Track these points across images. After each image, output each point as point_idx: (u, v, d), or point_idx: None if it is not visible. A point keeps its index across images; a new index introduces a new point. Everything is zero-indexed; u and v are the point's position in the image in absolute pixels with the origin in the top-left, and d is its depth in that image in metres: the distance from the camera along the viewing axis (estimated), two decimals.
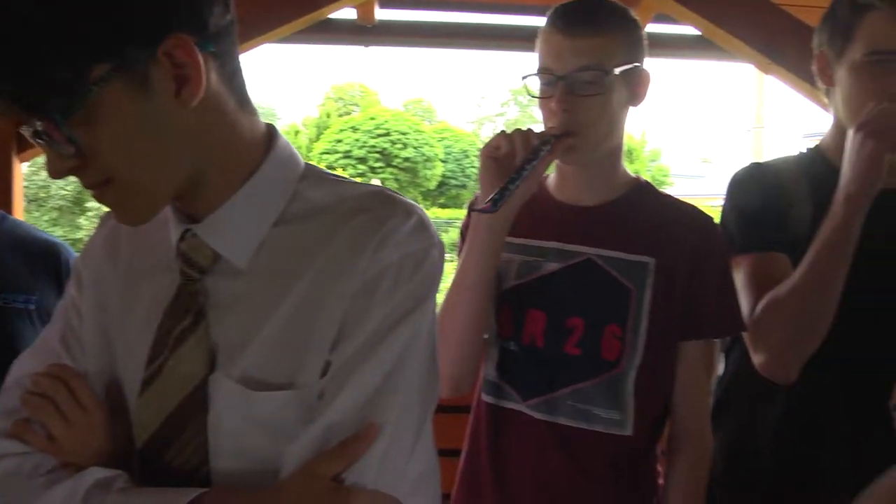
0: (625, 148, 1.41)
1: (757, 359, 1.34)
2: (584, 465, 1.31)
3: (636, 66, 1.32)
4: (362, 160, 22.06)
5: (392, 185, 20.13)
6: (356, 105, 27.37)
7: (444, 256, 0.89)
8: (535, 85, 1.34)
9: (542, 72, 1.30)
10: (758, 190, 1.44)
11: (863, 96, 1.32)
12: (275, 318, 0.82)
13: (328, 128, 24.12)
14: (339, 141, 22.70)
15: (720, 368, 1.54)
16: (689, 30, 3.25)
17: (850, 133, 1.28)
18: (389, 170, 22.01)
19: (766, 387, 1.36)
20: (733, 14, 2.79)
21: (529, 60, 1.37)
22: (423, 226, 0.86)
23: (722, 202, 1.50)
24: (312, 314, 0.82)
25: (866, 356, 1.39)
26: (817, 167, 1.43)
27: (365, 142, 22.29)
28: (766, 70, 2.85)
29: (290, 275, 0.83)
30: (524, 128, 1.29)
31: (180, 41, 0.76)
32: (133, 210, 0.83)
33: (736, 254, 1.41)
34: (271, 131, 0.90)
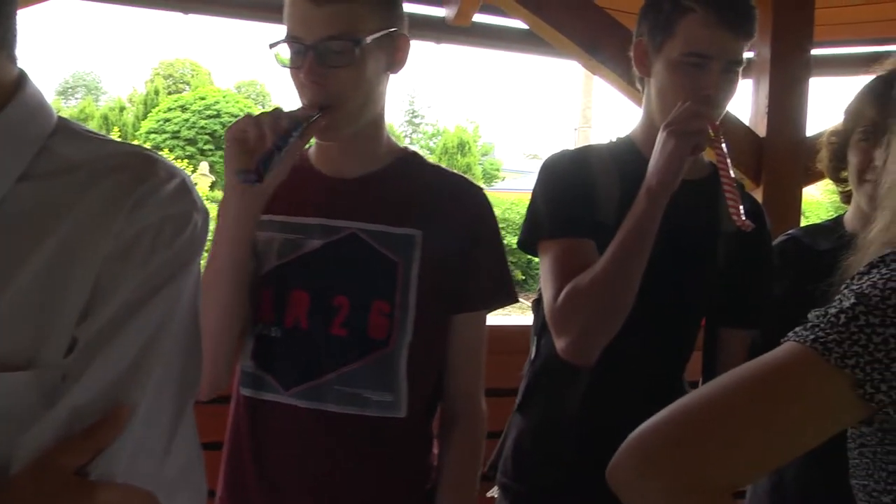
0: (385, 117, 1.35)
1: (559, 343, 1.37)
2: (355, 452, 1.27)
3: (392, 32, 1.26)
4: (191, 142, 21.13)
5: (223, 169, 19.43)
6: (187, 84, 26.23)
7: (208, 225, 0.81)
8: (286, 54, 1.26)
9: (291, 40, 1.22)
10: (567, 176, 1.46)
11: (675, 93, 1.38)
12: (12, 285, 0.70)
13: (156, 105, 22.98)
14: (168, 120, 21.64)
15: (532, 353, 1.58)
16: (518, 23, 3.34)
17: (661, 129, 1.34)
18: (220, 153, 21.26)
19: (573, 367, 1.40)
20: (557, 10, 2.85)
21: None
22: (186, 189, 0.78)
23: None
24: (58, 282, 0.71)
25: (664, 338, 1.49)
26: (627, 156, 1.48)
27: (195, 122, 21.36)
28: (590, 68, 2.96)
29: (34, 236, 0.72)
30: (274, 109, 1.21)
31: None
32: None
33: (544, 238, 1.44)
34: (21, 78, 0.77)
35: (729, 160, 1.33)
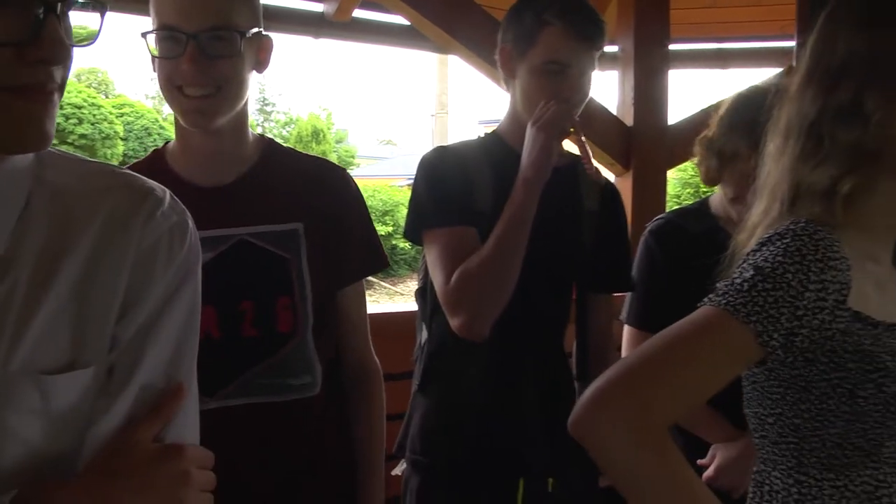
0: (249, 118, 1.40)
1: (454, 322, 1.52)
2: (288, 433, 1.35)
3: (260, 31, 1.31)
4: None
5: None
6: None
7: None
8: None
9: (168, 29, 1.22)
10: (446, 170, 1.61)
11: (538, 95, 1.56)
12: (50, 300, 0.79)
13: None
14: None
15: (423, 337, 1.72)
16: (398, 18, 3.41)
17: (529, 126, 1.53)
18: (64, 147, 19.91)
19: (469, 345, 1.56)
20: (439, 6, 2.97)
21: None
22: (174, 198, 0.88)
23: (409, 182, 1.68)
24: (89, 290, 0.80)
25: (545, 310, 1.67)
26: (497, 149, 1.65)
27: None
28: (476, 65, 3.07)
29: (58, 255, 0.80)
30: None
31: None
32: None
33: (430, 228, 1.58)
34: None
35: (588, 148, 1.57)
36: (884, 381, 0.95)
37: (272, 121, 32.74)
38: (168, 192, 0.88)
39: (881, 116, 0.95)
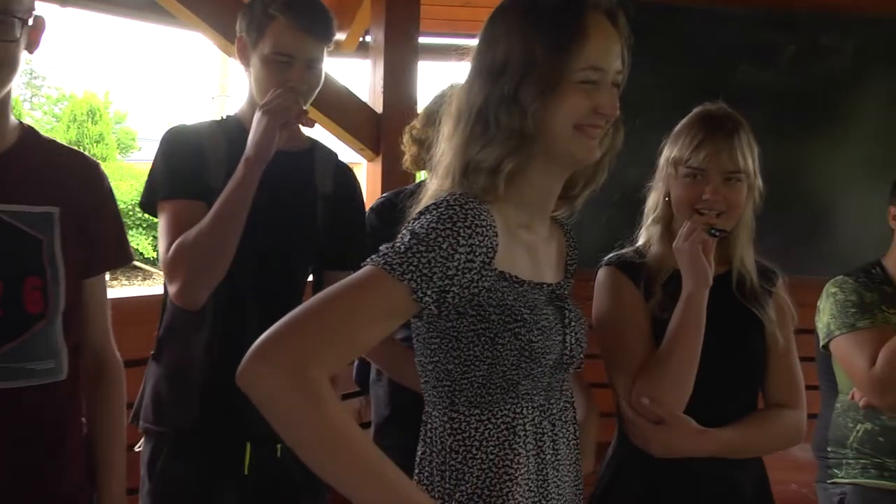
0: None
1: (171, 290, 1.61)
2: (24, 423, 1.34)
3: (35, 13, 1.34)
4: None
5: None
6: None
7: None
8: None
9: None
10: (181, 147, 1.68)
11: (268, 83, 1.66)
12: None
13: None
14: None
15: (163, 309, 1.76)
16: None
17: (257, 110, 1.62)
18: None
19: (197, 319, 1.64)
20: None
21: None
22: None
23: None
24: None
25: (276, 284, 1.75)
26: (233, 131, 1.74)
27: None
28: (221, 46, 3.05)
29: None
30: None
31: None
32: None
33: (161, 199, 1.65)
34: None
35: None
36: (520, 331, 1.11)
37: (42, 96, 30.18)
38: None
39: (536, 108, 1.10)
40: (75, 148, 1.48)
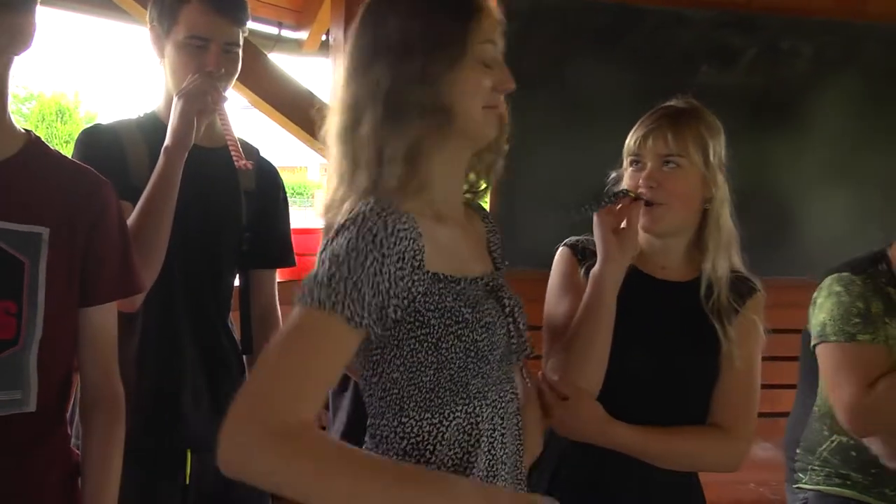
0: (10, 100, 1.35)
1: None
2: None
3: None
4: None
5: None
6: None
7: None
8: None
9: None
10: (99, 148, 1.64)
11: (184, 70, 1.63)
12: None
13: None
14: None
15: None
16: None
17: (174, 98, 1.59)
18: None
19: (131, 320, 1.59)
20: None
21: None
22: None
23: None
24: None
25: (203, 285, 1.73)
26: (151, 127, 1.71)
27: None
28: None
29: None
30: None
31: None
32: None
33: None
34: None
35: (230, 121, 1.66)
36: (462, 332, 1.08)
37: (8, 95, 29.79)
38: None
39: (447, 81, 1.08)
40: (85, 166, 1.37)
